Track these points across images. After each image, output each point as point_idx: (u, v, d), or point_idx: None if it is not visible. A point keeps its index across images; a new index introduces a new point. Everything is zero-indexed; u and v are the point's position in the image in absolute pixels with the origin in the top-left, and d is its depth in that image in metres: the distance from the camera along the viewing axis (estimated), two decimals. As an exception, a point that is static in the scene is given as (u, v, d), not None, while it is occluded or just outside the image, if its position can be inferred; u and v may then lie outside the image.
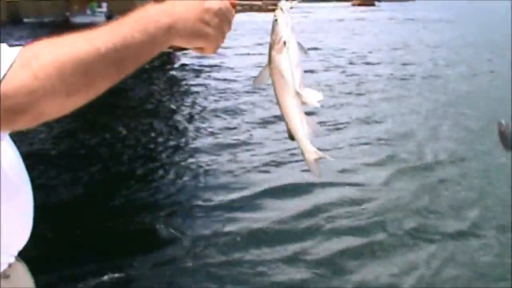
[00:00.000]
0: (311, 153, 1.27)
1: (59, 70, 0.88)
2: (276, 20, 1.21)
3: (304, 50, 1.25)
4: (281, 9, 1.21)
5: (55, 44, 0.91)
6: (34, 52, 0.90)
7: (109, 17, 46.13)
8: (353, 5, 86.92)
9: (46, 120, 0.93)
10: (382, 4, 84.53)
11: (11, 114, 0.87)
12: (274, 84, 1.23)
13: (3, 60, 0.86)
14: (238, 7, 1.19)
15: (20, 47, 0.91)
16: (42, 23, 47.31)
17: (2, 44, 0.90)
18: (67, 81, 0.89)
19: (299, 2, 1.34)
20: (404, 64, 18.13)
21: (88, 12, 48.98)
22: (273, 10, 1.22)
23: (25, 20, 49.54)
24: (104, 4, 48.82)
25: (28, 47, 0.91)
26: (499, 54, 19.21)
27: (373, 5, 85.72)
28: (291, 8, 1.23)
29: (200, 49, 1.15)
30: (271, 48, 1.22)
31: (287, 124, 1.26)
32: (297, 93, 1.21)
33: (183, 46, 1.11)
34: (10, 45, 0.92)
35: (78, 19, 46.65)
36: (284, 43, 1.20)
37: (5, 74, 0.85)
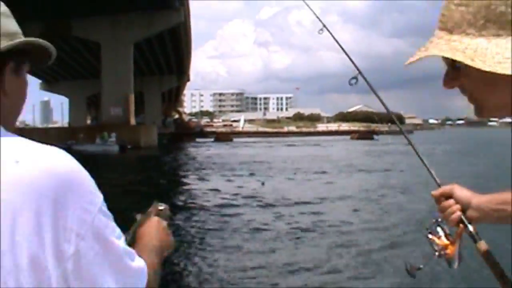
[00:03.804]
0: None
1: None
2: None
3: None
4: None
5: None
6: None
7: (122, 147, 48.17)
8: (352, 138, 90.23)
9: None
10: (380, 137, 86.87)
11: None
12: None
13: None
14: None
15: None
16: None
17: None
18: None
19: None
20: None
21: (98, 141, 50.00)
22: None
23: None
24: (113, 134, 50.17)
25: None
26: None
27: (372, 138, 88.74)
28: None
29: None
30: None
31: None
32: None
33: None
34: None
35: (85, 148, 47.05)
36: None
37: None
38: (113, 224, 1.13)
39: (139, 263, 1.18)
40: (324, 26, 2.38)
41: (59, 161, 1.09)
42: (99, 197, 1.12)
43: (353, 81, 2.16)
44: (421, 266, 1.77)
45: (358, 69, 2.17)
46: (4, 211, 1.00)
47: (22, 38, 1.22)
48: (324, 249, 10.59)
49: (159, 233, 1.45)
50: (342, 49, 2.31)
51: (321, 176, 26.14)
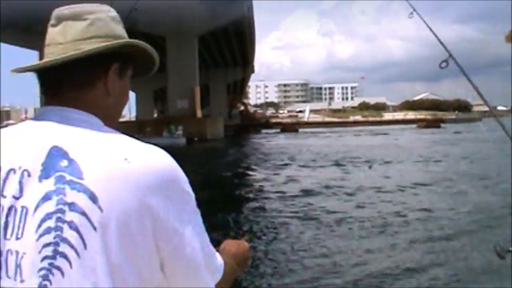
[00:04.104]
0: None
1: None
2: None
3: None
4: None
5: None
6: None
7: (189, 140, 48.82)
8: (419, 127, 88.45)
9: None
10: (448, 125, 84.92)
11: None
12: None
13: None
14: None
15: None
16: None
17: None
18: None
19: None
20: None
21: (165, 134, 50.53)
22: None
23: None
24: (180, 127, 50.72)
25: None
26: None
27: (439, 126, 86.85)
28: None
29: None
30: None
31: None
32: None
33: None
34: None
35: (152, 141, 47.91)
36: None
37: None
38: (201, 221, 1.21)
39: (220, 259, 1.29)
40: (414, 10, 2.38)
41: (163, 160, 1.17)
42: (193, 196, 1.19)
43: (444, 64, 2.15)
44: (511, 248, 1.83)
45: (449, 53, 2.13)
46: (114, 205, 1.07)
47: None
48: (408, 235, 10.62)
49: (238, 251, 1.55)
50: (433, 32, 2.28)
51: (397, 165, 25.86)
